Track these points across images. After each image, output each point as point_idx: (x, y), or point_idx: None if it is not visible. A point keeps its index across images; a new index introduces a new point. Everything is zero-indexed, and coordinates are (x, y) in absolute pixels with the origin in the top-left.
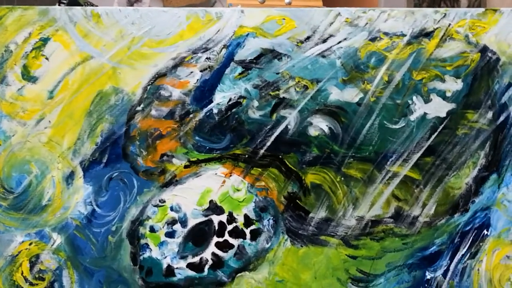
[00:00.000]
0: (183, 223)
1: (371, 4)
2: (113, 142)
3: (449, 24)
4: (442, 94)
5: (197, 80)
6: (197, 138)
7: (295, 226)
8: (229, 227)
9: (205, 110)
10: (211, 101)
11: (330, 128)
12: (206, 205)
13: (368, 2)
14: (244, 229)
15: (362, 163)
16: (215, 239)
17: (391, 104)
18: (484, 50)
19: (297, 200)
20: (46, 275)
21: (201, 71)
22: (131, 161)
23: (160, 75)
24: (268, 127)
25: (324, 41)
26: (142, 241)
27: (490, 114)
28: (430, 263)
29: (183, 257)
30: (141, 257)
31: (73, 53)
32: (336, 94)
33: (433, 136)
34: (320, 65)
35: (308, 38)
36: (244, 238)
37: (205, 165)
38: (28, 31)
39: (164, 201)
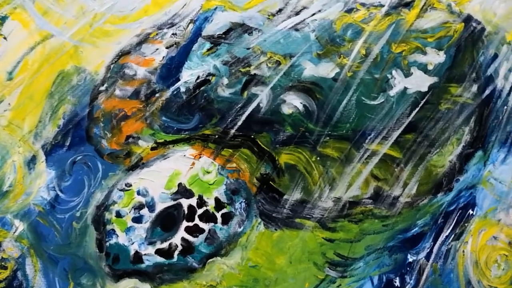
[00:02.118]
0: (151, 207)
1: None
2: (76, 124)
3: None
4: (423, 67)
5: (163, 57)
6: (164, 118)
7: (268, 209)
8: (199, 211)
9: (172, 88)
10: (178, 79)
11: (304, 106)
12: (175, 189)
13: None
14: (215, 213)
15: (339, 142)
16: (185, 223)
17: (369, 78)
18: (468, 19)
19: (271, 182)
20: (8, 264)
21: (167, 47)
22: (95, 144)
23: (124, 53)
24: (239, 105)
25: (297, 13)
26: (108, 227)
27: (475, 88)
28: (412, 245)
29: (151, 243)
30: (108, 244)
31: (32, 32)
32: (310, 70)
33: (414, 112)
34: (293, 39)
35: (280, 10)
36: (215, 222)
37: (173, 146)
38: None
39: (131, 185)
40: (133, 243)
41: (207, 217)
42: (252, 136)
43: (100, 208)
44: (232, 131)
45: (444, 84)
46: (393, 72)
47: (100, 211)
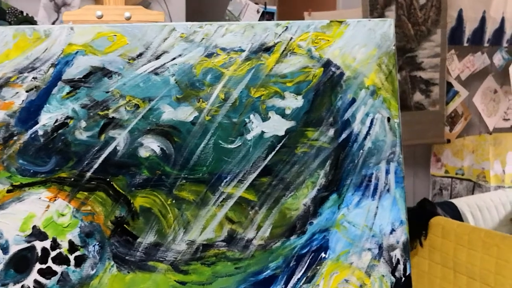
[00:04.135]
0: (5, 249)
1: (329, 5)
2: None
3: (291, 38)
4: (281, 112)
5: (23, 100)
6: (21, 161)
7: (122, 252)
8: (53, 254)
9: (30, 131)
10: (37, 122)
11: (162, 149)
12: (29, 231)
13: (327, 3)
14: (69, 255)
15: (195, 185)
16: (38, 265)
17: (227, 123)
18: (327, 64)
19: (125, 225)
20: None
21: (27, 91)
22: None
23: None
24: (96, 148)
25: (158, 57)
26: None
27: (331, 132)
28: None
29: (4, 285)
30: None
31: None
32: (169, 113)
33: (271, 156)
34: (152, 83)
35: (140, 54)
36: (68, 264)
37: (29, 189)
38: None
39: None
40: None
41: (60, 259)
42: (108, 179)
43: None
44: (88, 174)
45: (301, 128)
46: (251, 116)
47: None
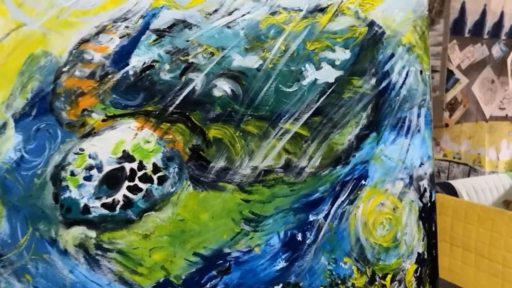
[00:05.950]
0: (99, 169)
1: None
2: (42, 98)
3: (342, 1)
4: (331, 63)
5: (116, 45)
6: (114, 96)
7: (197, 174)
8: (139, 173)
9: (122, 71)
10: (128, 64)
11: (232, 90)
12: (120, 154)
13: None
14: (152, 176)
15: (258, 121)
16: (127, 183)
17: (286, 70)
18: (371, 24)
19: (200, 152)
20: None
21: (120, 37)
22: (56, 115)
23: (84, 41)
24: (177, 87)
25: (230, 14)
26: (63, 183)
27: (373, 81)
28: (313, 208)
29: (98, 198)
30: (62, 197)
31: (8, 21)
32: (238, 61)
33: (322, 99)
34: (225, 34)
35: (215, 10)
36: (152, 183)
37: (120, 119)
38: None
39: (83, 150)
40: (83, 197)
41: (145, 178)
42: (187, 114)
43: (58, 168)
44: (171, 108)
45: (347, 77)
46: (307, 65)
47: (57, 170)
